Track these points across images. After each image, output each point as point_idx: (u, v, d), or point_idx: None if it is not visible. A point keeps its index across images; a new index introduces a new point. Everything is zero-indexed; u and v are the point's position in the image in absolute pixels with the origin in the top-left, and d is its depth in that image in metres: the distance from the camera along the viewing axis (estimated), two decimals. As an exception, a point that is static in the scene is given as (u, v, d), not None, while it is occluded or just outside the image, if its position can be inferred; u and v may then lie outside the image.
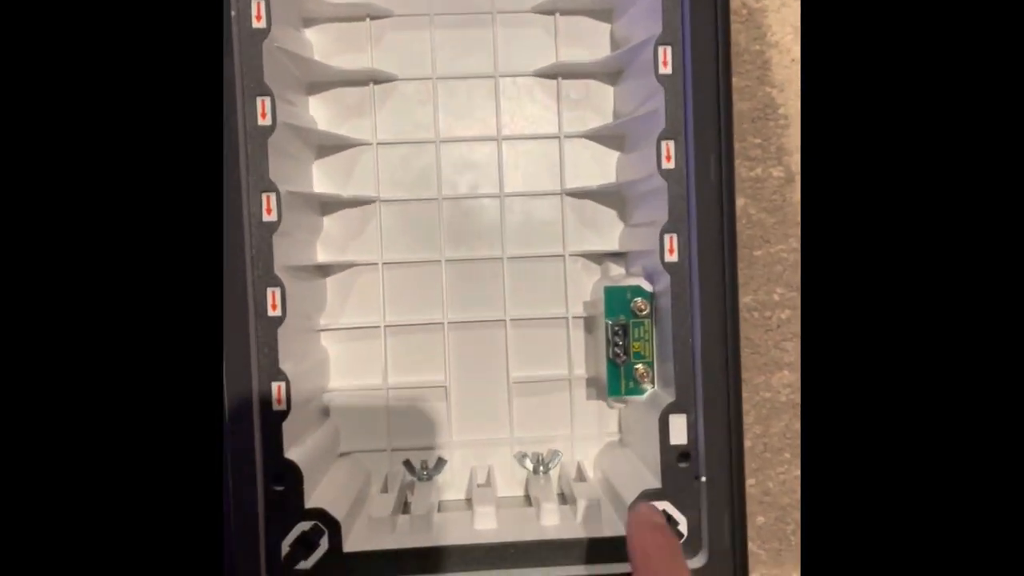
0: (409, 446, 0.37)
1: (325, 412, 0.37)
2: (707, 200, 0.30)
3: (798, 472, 0.39)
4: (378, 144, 0.37)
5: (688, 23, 0.30)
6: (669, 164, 0.31)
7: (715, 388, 0.31)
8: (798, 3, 0.38)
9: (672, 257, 0.31)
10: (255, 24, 0.30)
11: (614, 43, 0.37)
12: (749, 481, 0.39)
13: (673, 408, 0.31)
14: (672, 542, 0.27)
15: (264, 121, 0.30)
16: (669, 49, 0.31)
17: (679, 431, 0.31)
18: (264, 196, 0.30)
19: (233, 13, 0.30)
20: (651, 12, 0.32)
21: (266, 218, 0.30)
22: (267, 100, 0.30)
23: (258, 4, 0.30)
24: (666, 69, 0.31)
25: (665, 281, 0.32)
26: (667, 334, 0.32)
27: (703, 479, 0.31)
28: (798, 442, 0.39)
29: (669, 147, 0.31)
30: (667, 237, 0.31)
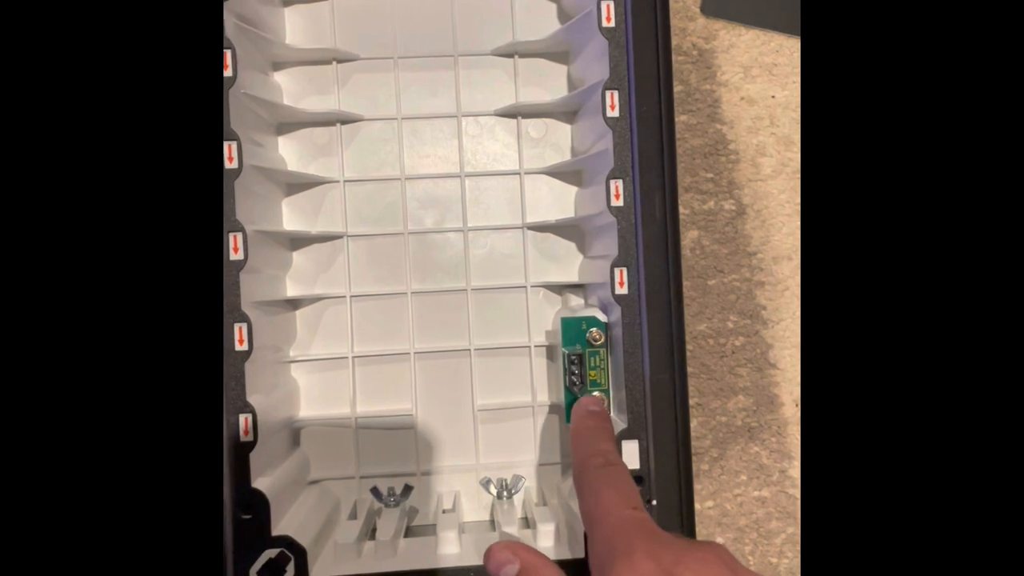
0: (377, 473, 0.39)
1: (295, 441, 0.38)
2: (653, 236, 0.32)
3: (755, 493, 0.40)
4: (345, 181, 0.39)
5: (632, 69, 0.32)
6: (618, 202, 0.32)
7: (664, 415, 0.32)
8: (745, 44, 0.40)
9: (622, 290, 0.33)
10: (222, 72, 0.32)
11: (571, 83, 0.39)
12: (707, 503, 0.40)
13: (626, 434, 0.32)
14: (601, 423, 0.31)
15: (231, 164, 0.32)
16: (616, 93, 0.32)
17: (632, 456, 0.32)
18: (231, 236, 0.32)
19: (200, 63, 0.31)
20: (600, 57, 0.33)
21: (233, 256, 0.32)
22: (233, 144, 0.32)
23: (225, 54, 0.32)
24: (614, 112, 0.32)
25: (617, 312, 0.33)
26: (620, 363, 0.33)
27: (654, 502, 0.32)
28: (754, 465, 0.40)
29: (618, 186, 0.32)
30: (617, 271, 0.33)
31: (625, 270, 0.32)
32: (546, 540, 0.34)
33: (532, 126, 0.40)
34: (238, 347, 0.32)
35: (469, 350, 0.39)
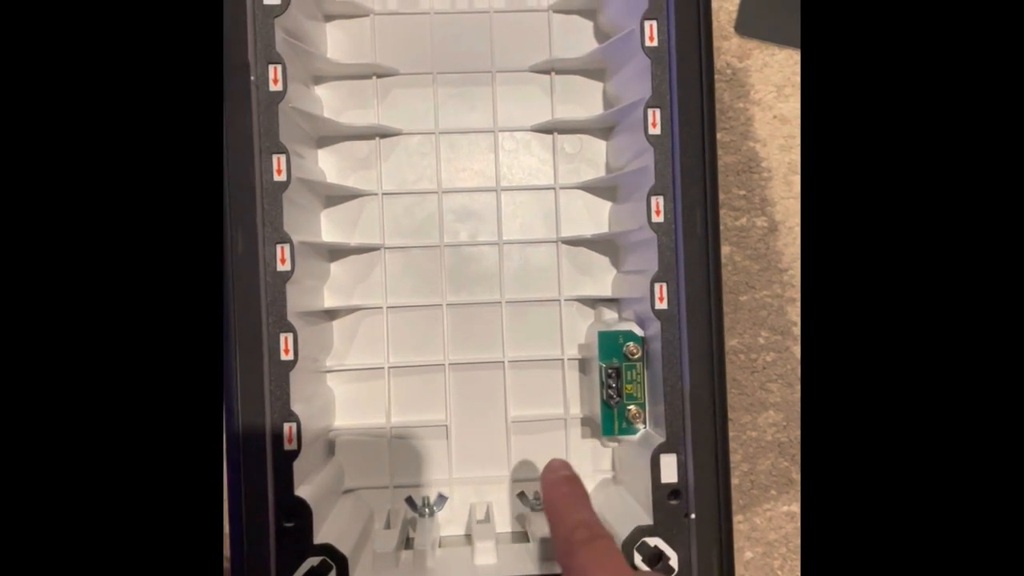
0: (411, 483, 0.39)
1: (331, 450, 0.39)
2: (694, 252, 0.32)
3: (784, 508, 0.41)
4: (383, 194, 0.39)
5: (675, 88, 0.32)
6: (658, 218, 0.33)
7: (703, 429, 0.32)
8: (779, 63, 0.41)
9: (662, 305, 0.33)
10: (272, 87, 0.32)
11: (606, 101, 0.40)
12: (737, 517, 0.40)
13: (664, 448, 0.33)
14: (576, 489, 0.29)
15: (280, 177, 0.32)
16: (658, 112, 0.33)
17: (669, 470, 0.33)
18: (279, 247, 0.32)
19: (252, 78, 0.32)
20: (641, 75, 0.34)
21: (280, 267, 0.32)
22: (282, 157, 0.32)
23: (275, 69, 0.32)
24: (655, 130, 0.33)
25: (656, 327, 0.33)
26: (658, 377, 0.34)
27: (692, 516, 0.32)
28: (784, 479, 0.41)
29: (658, 202, 0.33)
30: (657, 286, 0.33)
31: (665, 285, 0.33)
32: (581, 552, 0.34)
33: (567, 142, 0.40)
34: (284, 356, 0.32)
35: (503, 362, 0.39)
